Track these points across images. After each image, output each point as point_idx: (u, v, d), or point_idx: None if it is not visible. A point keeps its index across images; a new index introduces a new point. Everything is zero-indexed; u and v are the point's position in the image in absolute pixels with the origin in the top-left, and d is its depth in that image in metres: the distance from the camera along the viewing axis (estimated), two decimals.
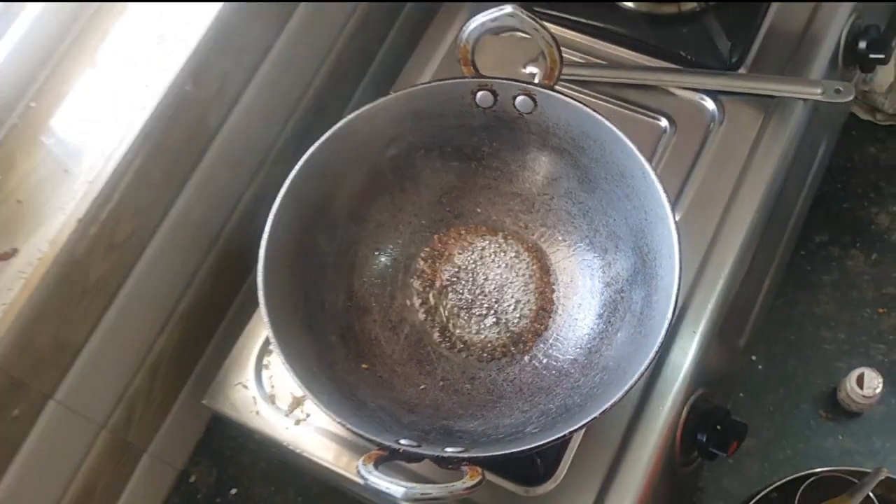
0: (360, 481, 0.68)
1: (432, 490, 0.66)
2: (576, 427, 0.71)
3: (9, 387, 0.76)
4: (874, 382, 0.99)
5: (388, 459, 0.71)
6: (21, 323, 0.75)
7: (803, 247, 1.12)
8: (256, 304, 0.92)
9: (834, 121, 1.13)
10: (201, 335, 1.04)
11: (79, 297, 0.81)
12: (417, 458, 0.72)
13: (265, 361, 0.92)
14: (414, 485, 0.66)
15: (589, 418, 0.71)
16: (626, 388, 0.71)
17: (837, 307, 1.09)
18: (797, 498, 0.94)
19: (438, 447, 0.73)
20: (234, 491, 1.09)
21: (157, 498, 1.08)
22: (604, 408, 0.71)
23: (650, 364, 0.71)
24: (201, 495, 1.09)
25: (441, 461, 0.72)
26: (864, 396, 1.00)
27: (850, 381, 1.00)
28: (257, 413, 0.89)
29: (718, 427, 0.89)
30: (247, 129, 0.95)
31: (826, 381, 1.06)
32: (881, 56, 1.02)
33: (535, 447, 0.70)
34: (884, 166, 1.16)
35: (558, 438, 0.70)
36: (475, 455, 0.71)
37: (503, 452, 0.71)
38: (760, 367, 1.07)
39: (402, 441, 0.72)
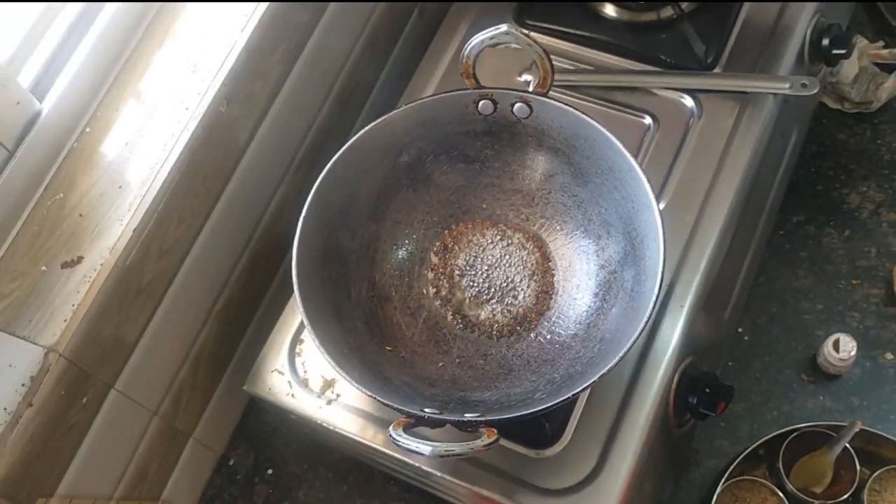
0: (393, 443, 0.78)
1: (455, 447, 0.76)
2: (578, 390, 0.80)
3: (79, 377, 0.86)
4: (849, 346, 1.09)
5: (414, 426, 0.81)
6: (88, 321, 0.85)
7: (782, 227, 1.22)
8: (287, 299, 1.04)
9: (803, 111, 1.23)
10: (237, 329, 1.14)
11: (134, 297, 0.91)
12: (440, 423, 0.82)
13: (297, 350, 1.02)
14: (438, 444, 0.76)
15: (589, 382, 0.81)
16: (621, 354, 0.80)
17: (815, 280, 1.18)
18: (781, 452, 1.04)
19: (458, 414, 0.83)
20: (270, 471, 1.19)
21: (200, 480, 1.18)
22: (601, 372, 0.81)
23: (641, 332, 0.81)
24: (240, 476, 1.19)
25: (461, 425, 0.82)
26: (840, 360, 1.09)
27: (828, 346, 1.10)
28: (292, 396, 0.99)
29: (707, 390, 0.98)
30: (273, 143, 1.06)
31: (806, 348, 1.15)
32: (843, 51, 1.12)
33: (544, 409, 0.80)
34: (852, 150, 1.25)
35: (563, 401, 0.80)
36: (491, 418, 0.80)
37: (515, 415, 0.81)
38: (746, 337, 1.17)
39: (426, 409, 0.82)
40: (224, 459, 1.20)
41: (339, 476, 1.18)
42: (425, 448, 0.76)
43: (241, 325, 1.15)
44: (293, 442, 1.21)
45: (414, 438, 0.77)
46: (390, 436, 0.79)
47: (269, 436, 1.21)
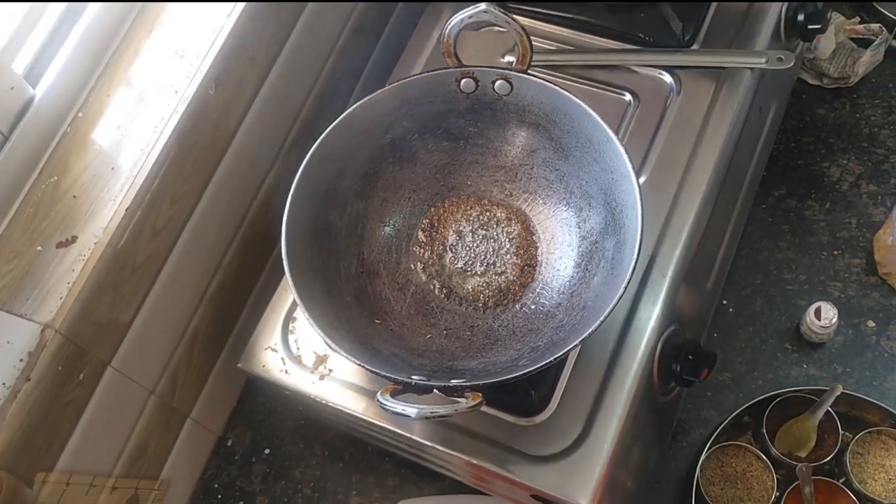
0: (381, 407, 0.80)
1: (440, 409, 0.79)
2: (560, 353, 0.83)
3: (75, 353, 0.89)
4: (830, 314, 1.11)
5: (402, 392, 0.83)
6: (83, 298, 0.88)
7: (764, 201, 1.24)
8: (280, 280, 1.06)
9: (781, 86, 1.25)
10: (232, 310, 1.16)
11: (128, 276, 0.94)
12: (427, 389, 0.85)
13: (290, 328, 1.04)
14: (424, 406, 0.78)
15: (570, 346, 0.83)
16: (602, 318, 0.83)
17: (797, 252, 1.21)
18: (765, 417, 1.06)
19: (444, 380, 0.86)
20: (267, 451, 1.22)
21: (199, 460, 1.20)
22: (582, 336, 0.83)
23: (621, 297, 0.83)
24: (238, 456, 1.22)
25: (447, 390, 0.84)
26: (822, 327, 1.11)
27: (810, 315, 1.12)
28: (286, 372, 1.02)
29: (690, 357, 1.00)
30: (262, 125, 1.08)
31: (790, 318, 1.18)
32: (818, 26, 1.14)
33: (527, 373, 0.82)
34: (832, 125, 1.27)
35: (546, 364, 0.82)
36: (476, 383, 0.83)
37: (500, 379, 0.83)
38: (731, 309, 1.19)
39: (414, 376, 0.85)
40: (222, 440, 1.23)
41: (335, 454, 1.21)
42: (411, 410, 0.79)
43: (236, 308, 1.18)
44: (289, 422, 1.23)
45: (399, 402, 0.80)
46: (378, 401, 0.81)
47: (266, 417, 1.24)
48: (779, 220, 1.23)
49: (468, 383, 0.83)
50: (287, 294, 1.05)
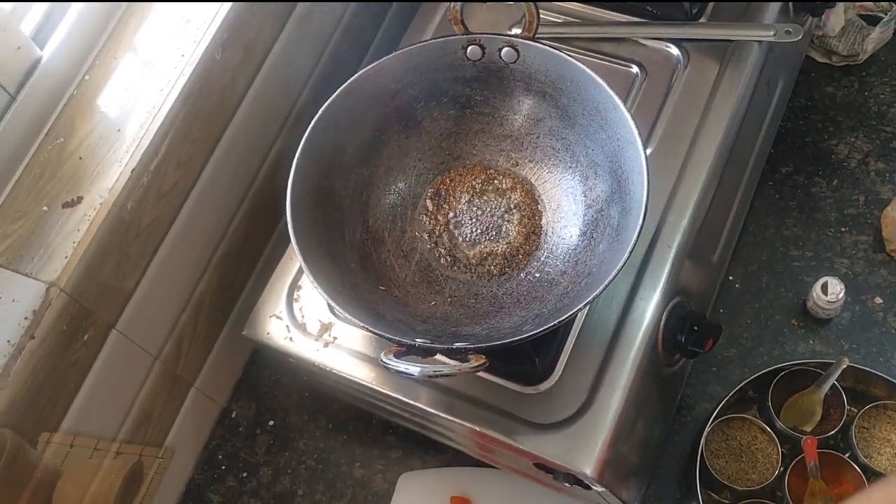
0: (384, 366, 0.80)
1: (443, 368, 0.79)
2: (563, 318, 0.83)
3: (80, 313, 0.89)
4: (836, 289, 1.10)
5: (405, 354, 0.83)
6: (88, 258, 0.88)
7: (771, 177, 1.23)
8: (286, 248, 1.06)
9: (790, 62, 1.24)
10: (238, 278, 1.17)
11: (133, 238, 0.94)
12: (431, 352, 0.85)
13: (295, 296, 1.04)
14: (427, 364, 0.78)
15: (574, 310, 0.83)
16: (605, 283, 0.83)
17: (804, 228, 1.20)
18: (770, 391, 1.06)
19: (448, 344, 0.85)
20: (271, 422, 1.22)
21: (204, 430, 1.20)
22: (586, 301, 0.83)
23: (626, 262, 0.83)
24: (242, 428, 1.22)
25: (451, 352, 0.85)
26: (828, 302, 1.11)
27: (816, 290, 1.11)
28: (290, 339, 1.02)
29: (695, 328, 1.00)
30: (270, 92, 1.08)
31: (797, 295, 1.17)
32: (829, 0, 1.13)
33: (532, 335, 0.82)
34: (840, 102, 1.27)
35: (549, 328, 0.82)
36: (479, 345, 0.83)
37: (504, 342, 0.83)
38: (737, 285, 1.18)
39: (418, 339, 0.85)
40: (226, 412, 1.23)
41: (339, 426, 1.21)
42: (414, 369, 0.79)
43: (242, 277, 1.18)
44: (294, 394, 1.23)
45: (402, 362, 0.80)
46: (381, 360, 0.81)
47: (271, 389, 1.24)
48: (786, 197, 1.22)
49: (472, 346, 0.83)
50: (292, 262, 1.06)
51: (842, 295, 1.10)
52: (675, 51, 1.09)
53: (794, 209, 1.21)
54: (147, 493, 1.10)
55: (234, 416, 1.23)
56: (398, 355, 0.82)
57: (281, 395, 1.23)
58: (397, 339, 0.84)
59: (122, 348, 0.97)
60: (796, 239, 1.20)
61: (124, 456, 1.04)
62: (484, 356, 0.82)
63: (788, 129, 1.26)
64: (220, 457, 1.20)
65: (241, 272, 1.16)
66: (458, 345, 0.84)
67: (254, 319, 1.04)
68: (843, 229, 1.19)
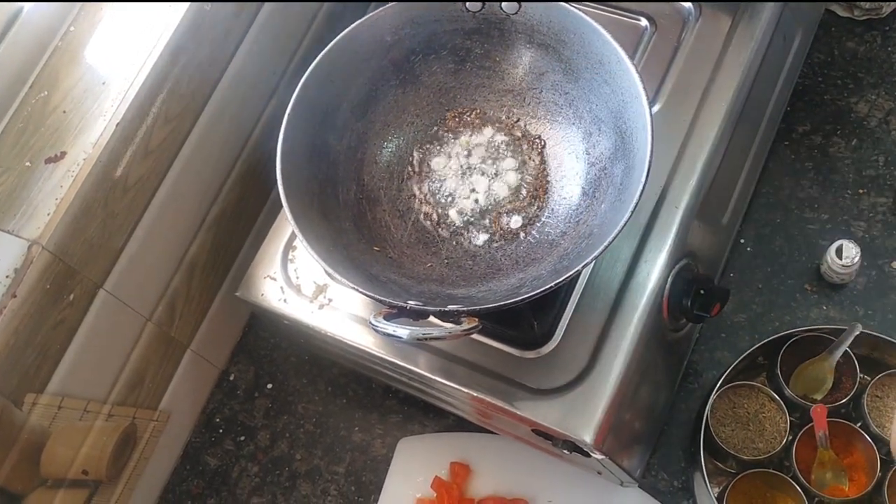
0: (372, 329, 0.77)
1: (433, 331, 0.76)
2: (562, 279, 0.79)
3: (65, 272, 0.87)
4: (852, 252, 1.06)
5: (396, 316, 0.81)
6: (72, 215, 0.86)
7: (786, 137, 1.18)
8: (281, 209, 1.03)
9: (808, 15, 1.19)
10: (232, 241, 1.14)
11: (120, 195, 0.91)
12: (423, 314, 0.82)
13: (290, 256, 1.02)
14: (415, 327, 0.76)
15: (573, 271, 0.80)
16: (607, 241, 0.79)
17: (820, 190, 1.15)
18: (780, 357, 1.02)
19: (441, 306, 0.83)
20: (270, 385, 1.20)
21: (201, 394, 1.19)
22: (585, 261, 0.80)
23: (627, 220, 0.79)
24: (241, 391, 1.20)
25: (444, 315, 0.81)
26: (843, 266, 1.06)
27: (831, 253, 1.07)
28: (285, 301, 0.99)
29: (702, 292, 0.96)
30: (264, 46, 1.05)
31: (811, 258, 1.12)
32: None
33: (527, 298, 0.79)
34: (862, 58, 1.21)
35: (546, 290, 0.79)
36: (473, 308, 0.80)
37: (498, 304, 0.80)
38: (749, 248, 1.14)
39: (410, 301, 0.82)
40: (225, 375, 1.21)
41: (338, 390, 1.18)
42: (402, 331, 0.76)
43: (237, 240, 1.15)
44: (292, 357, 1.21)
45: (390, 324, 0.77)
46: (370, 323, 0.78)
47: (269, 352, 1.22)
48: (802, 158, 1.18)
49: (465, 308, 0.80)
50: (287, 222, 1.03)
51: (857, 259, 1.06)
52: (686, 3, 1.04)
53: (811, 170, 1.17)
54: (143, 456, 1.09)
55: (232, 379, 1.21)
56: (388, 317, 0.80)
57: (280, 359, 1.21)
58: (389, 300, 0.81)
59: (111, 309, 0.95)
60: (812, 201, 1.15)
61: (117, 418, 1.02)
62: (477, 319, 0.79)
63: (806, 86, 1.21)
64: (218, 420, 1.19)
65: (236, 235, 1.14)
66: (450, 307, 0.81)
67: (248, 280, 1.01)
68: (860, 191, 1.15)
